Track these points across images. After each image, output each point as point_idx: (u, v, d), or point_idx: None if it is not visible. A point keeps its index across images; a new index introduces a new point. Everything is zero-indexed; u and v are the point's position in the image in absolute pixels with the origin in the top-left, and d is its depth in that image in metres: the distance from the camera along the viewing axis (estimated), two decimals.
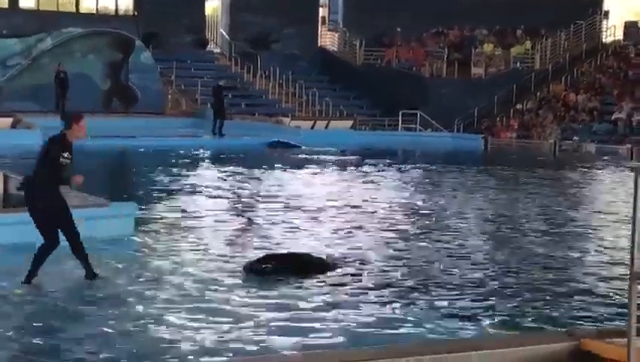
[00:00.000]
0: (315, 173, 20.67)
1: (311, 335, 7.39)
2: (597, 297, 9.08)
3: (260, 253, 10.34)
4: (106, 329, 7.38)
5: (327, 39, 42.36)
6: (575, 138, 31.79)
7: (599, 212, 15.88)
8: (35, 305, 8.11)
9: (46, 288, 8.67)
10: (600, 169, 24.65)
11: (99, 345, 6.99)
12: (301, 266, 9.69)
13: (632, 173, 4.77)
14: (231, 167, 20.91)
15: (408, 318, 8.00)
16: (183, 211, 14.01)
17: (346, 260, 10.36)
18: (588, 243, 12.41)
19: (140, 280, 9.14)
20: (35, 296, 8.40)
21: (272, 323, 7.67)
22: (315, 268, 9.74)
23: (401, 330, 7.61)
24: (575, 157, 27.90)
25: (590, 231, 13.60)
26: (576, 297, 9.03)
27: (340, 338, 7.31)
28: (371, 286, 9.22)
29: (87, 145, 24.48)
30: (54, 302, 8.22)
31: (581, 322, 8.01)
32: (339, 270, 9.84)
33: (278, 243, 11.39)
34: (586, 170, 24.10)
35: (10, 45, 32.20)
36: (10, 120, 27.20)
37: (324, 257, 10.30)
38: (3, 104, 30.59)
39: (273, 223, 13.04)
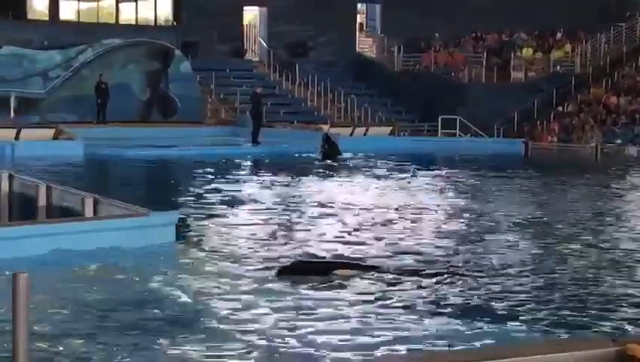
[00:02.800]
0: (357, 180, 20.65)
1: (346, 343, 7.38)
2: None
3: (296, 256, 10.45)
4: (145, 336, 7.43)
5: (365, 45, 42.34)
6: (617, 141, 31.47)
7: None
8: (77, 313, 8.17)
9: (84, 298, 8.73)
10: None
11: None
12: (328, 271, 9.71)
13: None
14: (270, 175, 20.96)
15: (449, 325, 7.95)
16: (224, 219, 14.06)
17: (387, 264, 10.35)
18: (632, 249, 12.24)
19: (182, 286, 9.18)
20: (74, 305, 8.46)
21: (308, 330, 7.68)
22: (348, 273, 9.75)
23: (442, 337, 7.57)
24: (617, 161, 27.61)
25: (634, 235, 13.43)
26: (622, 303, 8.93)
27: (370, 347, 7.29)
28: (411, 291, 9.18)
29: (128, 155, 24.94)
30: (88, 309, 8.28)
31: (628, 328, 7.94)
32: (376, 274, 9.83)
33: (316, 247, 11.40)
34: (629, 173, 23.83)
35: (52, 57, 32.55)
36: (52, 131, 27.49)
37: (360, 263, 10.31)
38: (45, 115, 30.96)
39: (313, 228, 13.05)
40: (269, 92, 34.48)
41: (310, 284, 9.31)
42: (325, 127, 32.32)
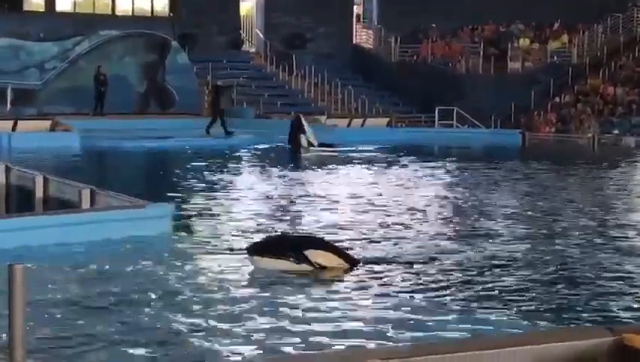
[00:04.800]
0: (350, 171, 20.65)
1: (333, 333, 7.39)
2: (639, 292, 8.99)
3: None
4: (140, 328, 7.44)
5: (362, 37, 42.32)
6: (614, 132, 31.48)
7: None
8: (73, 304, 8.17)
9: (80, 289, 8.72)
10: None
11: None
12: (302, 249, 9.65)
13: None
14: (270, 167, 20.94)
15: (440, 315, 7.94)
16: (221, 210, 14.07)
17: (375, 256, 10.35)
18: (630, 239, 12.23)
19: (178, 277, 9.18)
20: (70, 296, 8.45)
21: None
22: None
23: (433, 328, 7.55)
24: (615, 151, 27.61)
25: (633, 225, 13.42)
26: (619, 293, 8.94)
27: (363, 335, 7.30)
28: (399, 282, 9.18)
29: (125, 147, 24.91)
30: (84, 300, 8.28)
31: (624, 317, 7.94)
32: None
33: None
34: (626, 164, 23.84)
35: (48, 49, 32.52)
36: (48, 123, 27.46)
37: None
38: (41, 107, 30.93)
39: (303, 218, 13.07)
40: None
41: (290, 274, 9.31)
42: (322, 119, 32.35)
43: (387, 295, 8.67)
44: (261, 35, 39.60)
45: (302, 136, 25.60)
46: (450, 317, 7.86)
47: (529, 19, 39.97)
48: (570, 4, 38.22)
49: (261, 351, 6.91)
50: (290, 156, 24.29)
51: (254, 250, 9.78)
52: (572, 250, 11.09)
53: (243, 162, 23.33)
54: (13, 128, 26.70)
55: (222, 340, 7.20)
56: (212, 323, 7.66)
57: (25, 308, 4.32)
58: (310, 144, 25.59)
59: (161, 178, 20.03)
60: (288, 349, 6.97)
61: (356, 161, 22.95)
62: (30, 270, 4.45)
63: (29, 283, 4.41)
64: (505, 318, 7.90)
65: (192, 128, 29.73)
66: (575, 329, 7.24)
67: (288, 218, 13.49)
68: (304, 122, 25.81)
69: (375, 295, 8.68)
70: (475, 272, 9.68)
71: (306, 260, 9.49)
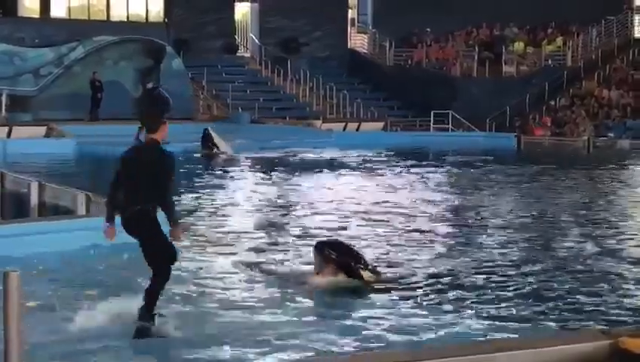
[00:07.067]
0: (345, 176, 20.66)
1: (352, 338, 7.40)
2: (634, 295, 8.99)
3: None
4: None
5: (357, 41, 42.32)
6: (609, 134, 31.51)
7: (636, 208, 15.74)
8: (69, 308, 8.14)
9: (77, 294, 8.70)
10: (636, 165, 24.41)
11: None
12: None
13: None
14: (264, 172, 20.97)
15: (443, 321, 7.96)
16: (219, 212, 14.07)
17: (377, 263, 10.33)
18: (625, 242, 12.24)
19: (178, 281, 9.17)
20: (66, 303, 8.43)
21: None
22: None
23: (437, 333, 7.56)
24: (610, 154, 27.64)
25: (627, 228, 13.44)
26: (613, 296, 8.94)
27: (375, 343, 7.30)
28: (405, 290, 9.18)
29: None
30: (81, 305, 8.26)
31: (618, 320, 7.95)
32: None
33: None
34: (621, 167, 23.87)
35: (43, 55, 32.45)
36: (43, 129, 27.41)
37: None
38: (36, 113, 30.87)
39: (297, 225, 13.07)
40: (261, 88, 34.24)
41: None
42: (318, 123, 32.34)
43: (386, 301, 8.68)
44: (256, 40, 39.59)
45: (214, 147, 25.65)
46: (448, 323, 7.87)
47: (523, 22, 40.01)
48: (566, 7, 38.25)
49: (264, 354, 6.92)
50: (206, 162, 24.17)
51: (324, 247, 9.38)
52: (567, 253, 11.10)
53: (239, 166, 23.33)
54: (9, 134, 26.65)
55: (221, 339, 7.20)
56: (213, 322, 7.67)
57: (20, 316, 4.30)
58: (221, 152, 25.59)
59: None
60: (295, 352, 6.97)
61: (351, 166, 22.97)
62: (24, 277, 4.43)
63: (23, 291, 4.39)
64: (502, 322, 7.90)
65: (187, 133, 29.65)
66: (571, 332, 7.25)
67: (286, 220, 13.49)
68: (214, 135, 25.85)
69: (374, 302, 8.69)
70: (470, 277, 9.68)
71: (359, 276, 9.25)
